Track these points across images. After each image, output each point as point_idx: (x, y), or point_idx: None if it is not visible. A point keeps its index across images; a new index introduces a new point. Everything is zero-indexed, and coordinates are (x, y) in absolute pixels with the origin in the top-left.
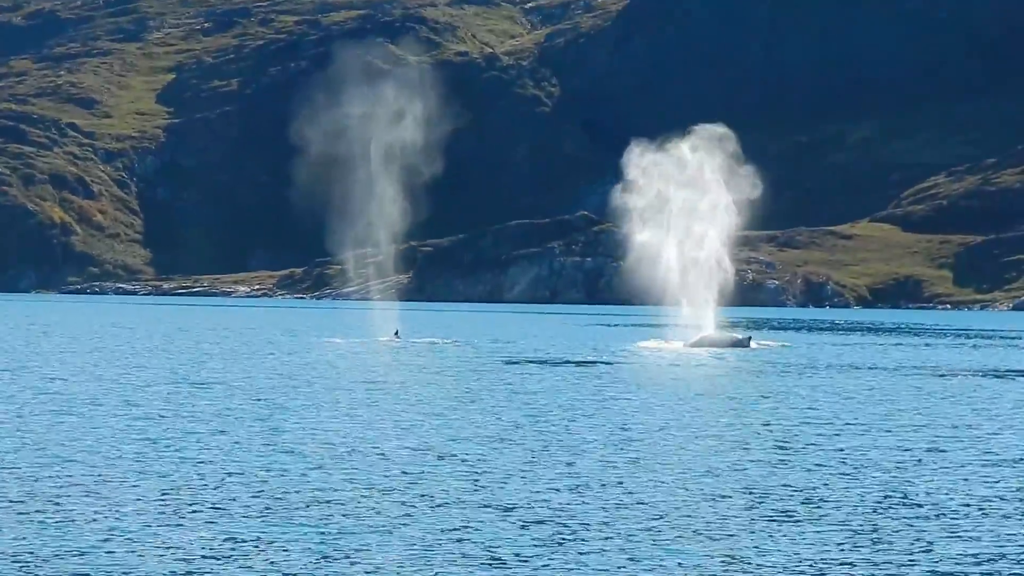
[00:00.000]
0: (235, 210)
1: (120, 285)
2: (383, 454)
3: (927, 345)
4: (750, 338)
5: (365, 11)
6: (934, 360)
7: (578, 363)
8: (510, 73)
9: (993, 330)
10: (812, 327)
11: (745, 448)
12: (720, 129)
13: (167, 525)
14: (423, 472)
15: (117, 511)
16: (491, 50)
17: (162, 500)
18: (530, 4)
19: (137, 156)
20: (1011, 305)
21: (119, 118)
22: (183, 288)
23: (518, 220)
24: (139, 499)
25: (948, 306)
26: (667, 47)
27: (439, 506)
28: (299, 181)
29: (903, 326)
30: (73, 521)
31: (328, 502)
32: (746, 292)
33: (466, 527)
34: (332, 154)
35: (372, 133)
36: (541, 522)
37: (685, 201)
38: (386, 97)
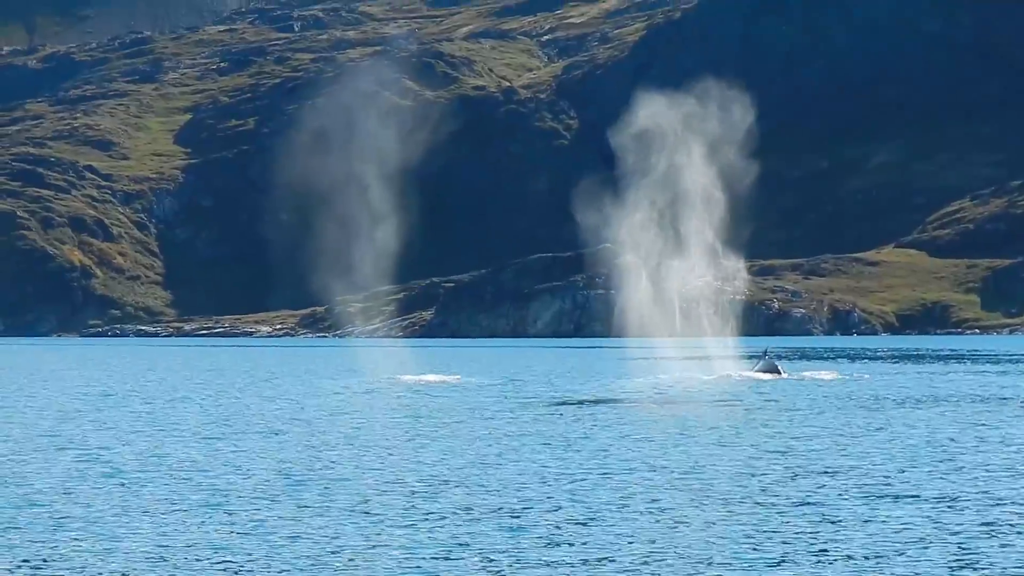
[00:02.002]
0: (255, 249)
1: (141, 327)
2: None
3: (1004, 372)
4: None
5: (381, 47)
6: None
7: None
8: (528, 106)
9: None
10: (853, 356)
11: None
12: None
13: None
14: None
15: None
16: (508, 83)
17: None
18: (546, 37)
19: (156, 197)
20: None
21: (137, 160)
22: (204, 329)
23: (540, 253)
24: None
25: (977, 331)
26: (685, 75)
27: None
28: (318, 218)
29: (957, 351)
30: None
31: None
32: (772, 321)
33: None
34: (350, 190)
35: (390, 168)
36: None
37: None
38: (404, 132)
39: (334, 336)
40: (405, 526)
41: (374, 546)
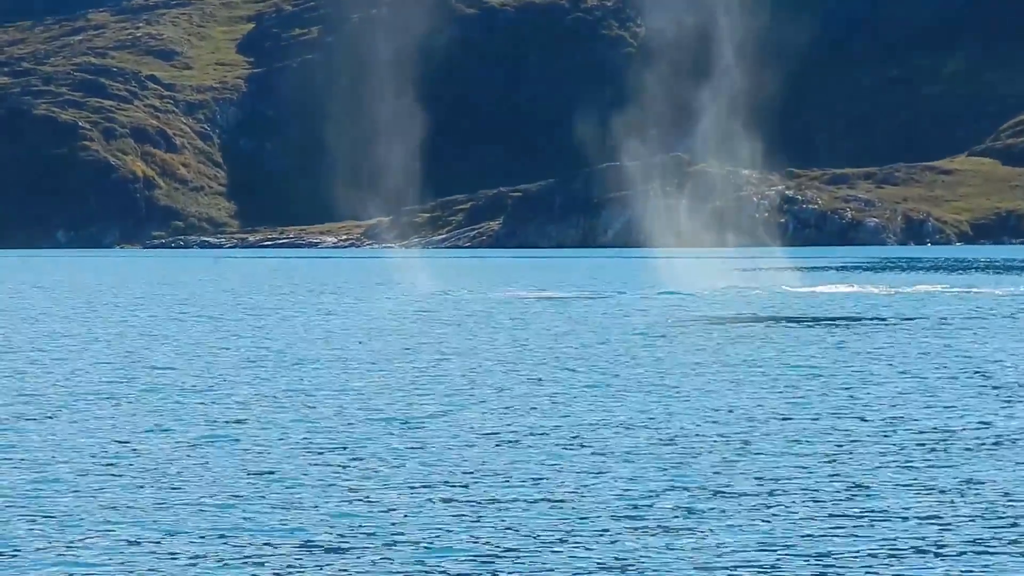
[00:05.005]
0: (319, 159)
1: (205, 239)
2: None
3: None
4: None
5: None
6: None
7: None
8: (594, 15)
9: None
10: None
11: None
12: None
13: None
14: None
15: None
16: None
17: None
18: None
19: (219, 107)
20: None
21: (199, 69)
22: (269, 240)
23: (608, 163)
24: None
25: None
26: None
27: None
28: (383, 128)
29: None
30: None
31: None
32: (846, 231)
33: None
34: (415, 100)
35: (456, 78)
36: None
37: None
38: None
39: (400, 247)
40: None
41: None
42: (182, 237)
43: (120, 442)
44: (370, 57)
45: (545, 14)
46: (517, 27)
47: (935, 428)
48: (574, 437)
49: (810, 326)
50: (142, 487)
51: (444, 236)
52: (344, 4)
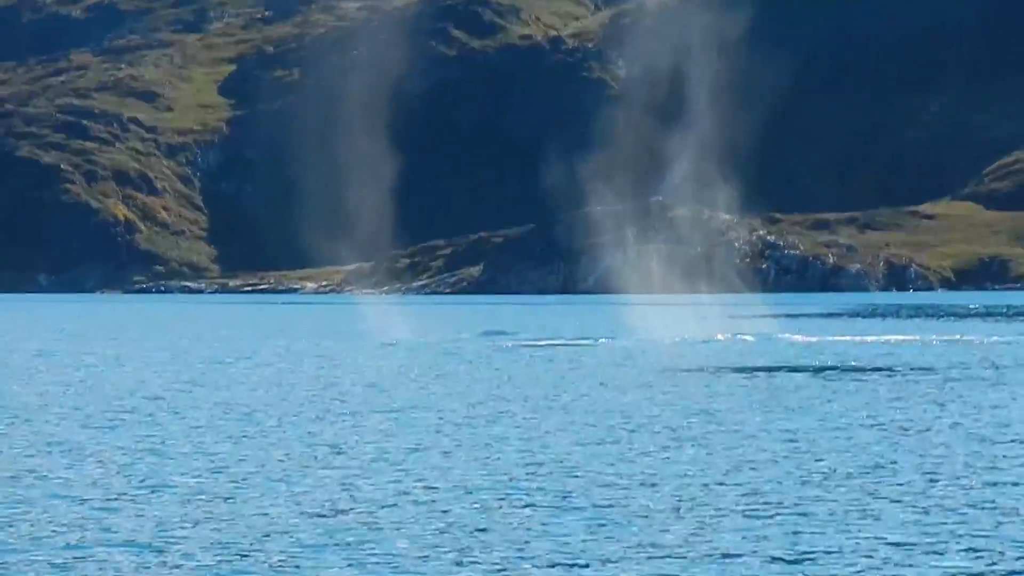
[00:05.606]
0: (298, 204)
1: (186, 283)
2: None
3: None
4: None
5: None
6: None
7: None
8: (575, 56)
9: None
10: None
11: None
12: None
13: None
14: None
15: None
16: (556, 32)
17: None
18: None
19: (200, 150)
20: None
21: (181, 111)
22: (249, 285)
23: (592, 207)
24: None
25: None
26: (733, 24)
27: None
28: (356, 172)
29: None
30: None
31: None
32: (827, 277)
33: None
34: (389, 143)
35: (434, 121)
36: None
37: None
38: (451, 84)
39: (381, 293)
40: None
41: None
42: (163, 282)
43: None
44: (347, 99)
45: (525, 56)
46: (496, 68)
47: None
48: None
49: (813, 374)
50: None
51: (424, 282)
52: (325, 46)
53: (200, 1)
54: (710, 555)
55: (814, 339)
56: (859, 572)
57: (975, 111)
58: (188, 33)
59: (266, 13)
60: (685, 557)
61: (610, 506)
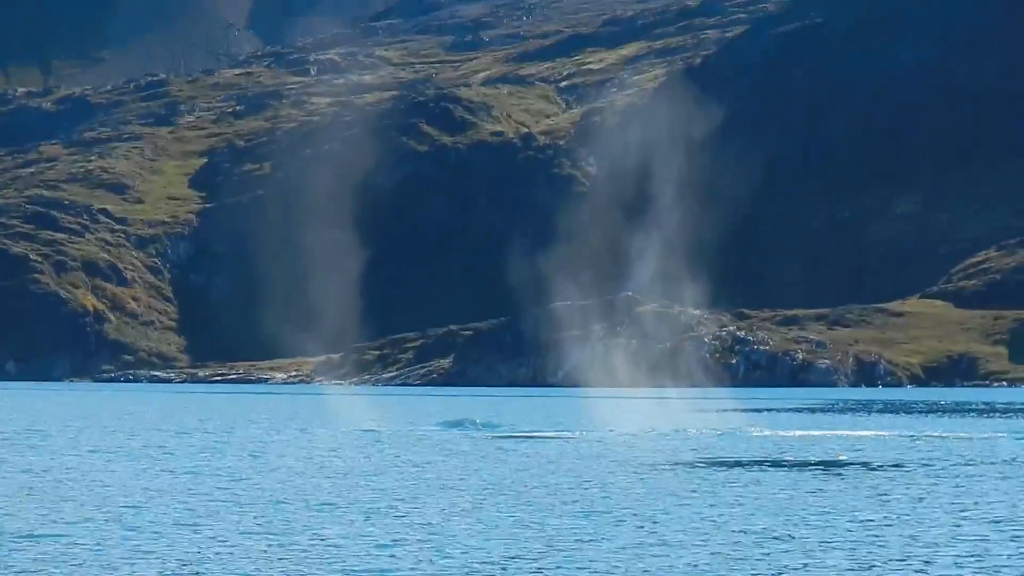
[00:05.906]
0: (270, 295)
1: (155, 373)
2: None
3: None
4: None
5: (398, 92)
6: None
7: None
8: (547, 152)
9: None
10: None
11: None
12: None
13: None
14: None
15: None
16: (527, 129)
17: None
18: (564, 83)
19: (170, 242)
20: None
21: (151, 203)
22: (218, 375)
23: (560, 302)
24: None
25: (1004, 383)
26: (704, 123)
27: None
28: (320, 265)
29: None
30: None
31: None
32: (796, 372)
33: None
34: (355, 236)
35: (403, 215)
36: None
37: None
38: (422, 179)
39: (350, 384)
40: None
41: None
42: (131, 371)
43: None
44: (316, 192)
45: (496, 152)
46: (467, 164)
47: None
48: None
49: (790, 470)
50: None
51: (394, 374)
52: (295, 140)
53: (171, 94)
54: None
55: (781, 433)
56: None
57: (943, 209)
58: (159, 126)
59: (237, 107)
60: None
61: None
